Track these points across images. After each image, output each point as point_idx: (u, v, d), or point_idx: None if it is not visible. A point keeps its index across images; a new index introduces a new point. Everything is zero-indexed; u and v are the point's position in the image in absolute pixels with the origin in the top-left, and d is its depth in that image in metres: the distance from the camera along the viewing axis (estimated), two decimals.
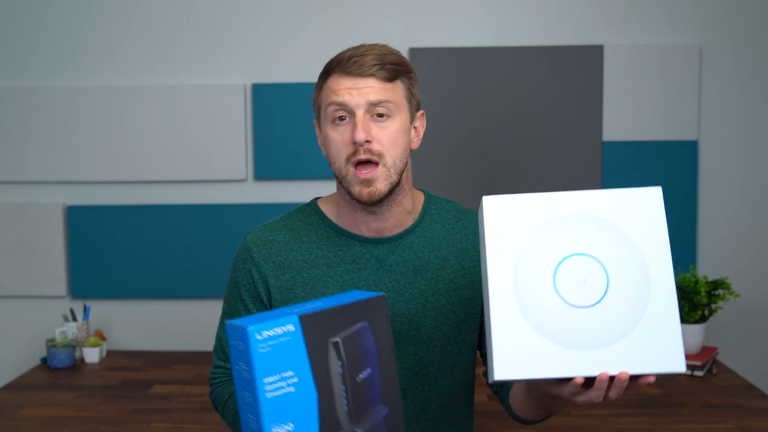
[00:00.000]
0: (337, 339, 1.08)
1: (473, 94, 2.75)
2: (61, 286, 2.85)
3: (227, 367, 1.40)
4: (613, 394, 1.04)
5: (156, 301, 2.87)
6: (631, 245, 1.04)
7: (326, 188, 2.81)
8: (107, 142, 2.81)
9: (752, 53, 2.74)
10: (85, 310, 2.75)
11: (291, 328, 1.04)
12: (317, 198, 1.43)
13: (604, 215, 1.05)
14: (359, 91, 1.24)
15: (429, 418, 1.35)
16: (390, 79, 1.26)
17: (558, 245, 1.05)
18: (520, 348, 1.02)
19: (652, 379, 1.03)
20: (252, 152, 2.81)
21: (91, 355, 2.66)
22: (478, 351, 1.45)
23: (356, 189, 1.26)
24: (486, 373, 1.44)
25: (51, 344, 2.60)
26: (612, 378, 1.03)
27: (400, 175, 1.28)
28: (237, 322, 1.03)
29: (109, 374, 2.54)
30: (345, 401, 1.08)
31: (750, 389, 2.29)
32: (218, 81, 2.81)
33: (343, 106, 1.24)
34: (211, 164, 2.80)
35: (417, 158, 2.78)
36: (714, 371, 2.45)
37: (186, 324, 2.88)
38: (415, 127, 1.34)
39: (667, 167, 2.75)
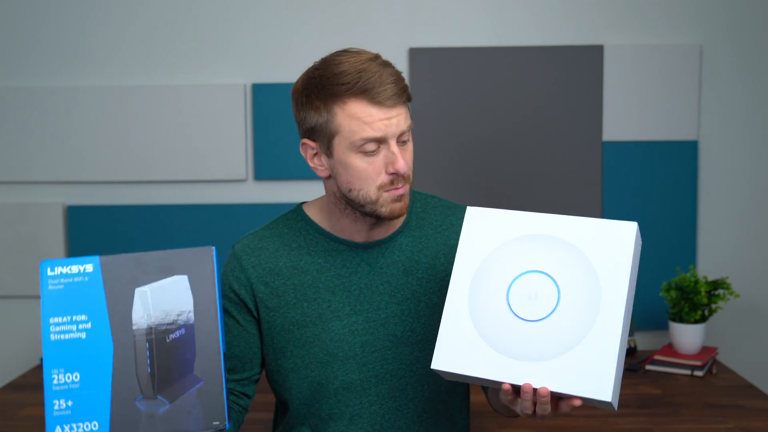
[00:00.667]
0: (145, 288, 0.97)
1: (473, 94, 2.75)
2: None
3: None
4: (538, 409, 1.07)
5: None
6: (590, 273, 1.07)
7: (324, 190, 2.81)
8: (107, 142, 2.81)
9: (752, 53, 2.74)
10: None
11: (89, 268, 0.95)
12: (302, 203, 1.41)
13: (573, 240, 1.10)
14: (392, 122, 1.21)
15: (430, 417, 1.36)
16: (407, 101, 1.25)
17: (521, 260, 1.11)
18: (461, 346, 1.11)
19: (577, 402, 1.05)
20: (252, 152, 2.81)
21: None
22: None
23: (387, 209, 1.25)
24: None
25: None
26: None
27: None
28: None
29: None
30: (148, 361, 0.97)
31: (750, 389, 2.29)
32: (218, 81, 2.81)
33: (380, 140, 1.21)
34: (211, 164, 2.80)
35: (416, 158, 2.78)
36: (714, 371, 2.45)
37: None
38: None
39: (667, 167, 2.75)
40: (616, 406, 1.06)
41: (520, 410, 1.10)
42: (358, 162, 1.23)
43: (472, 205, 2.76)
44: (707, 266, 2.80)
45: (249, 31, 2.80)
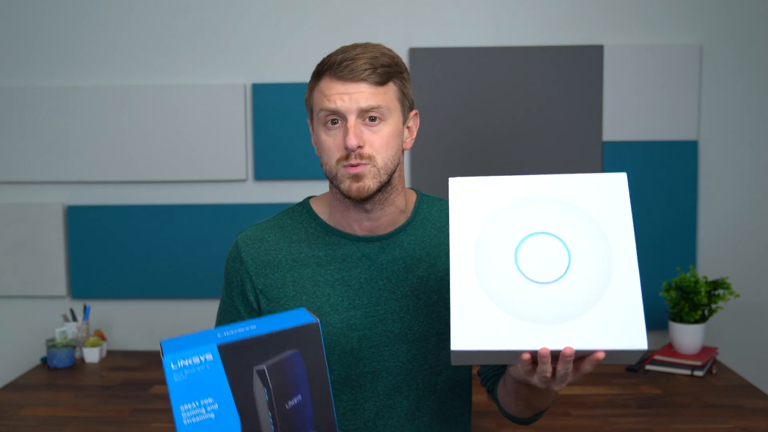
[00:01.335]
0: (263, 367, 1.05)
1: (473, 94, 2.75)
2: (61, 286, 2.85)
3: None
4: (560, 368, 1.04)
5: (156, 301, 2.87)
6: (593, 226, 1.06)
7: (326, 188, 2.81)
8: (107, 142, 2.81)
9: (752, 53, 2.74)
10: (85, 310, 2.75)
11: (209, 357, 1.03)
12: (309, 197, 1.43)
13: (568, 197, 1.08)
14: (350, 97, 1.24)
15: (423, 415, 1.36)
16: (382, 83, 1.26)
17: (520, 224, 1.08)
18: (479, 320, 1.04)
19: (601, 355, 1.02)
20: (252, 152, 2.81)
21: (91, 355, 2.66)
22: None
23: (346, 184, 1.26)
24: (480, 372, 1.45)
25: (51, 344, 2.60)
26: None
27: (390, 175, 1.29)
28: (164, 343, 1.05)
29: (109, 374, 2.54)
30: (272, 428, 1.06)
31: (750, 389, 2.29)
32: (218, 81, 2.81)
33: (334, 111, 1.25)
34: (211, 164, 2.80)
35: (417, 158, 2.78)
36: (714, 371, 2.45)
37: (186, 324, 2.88)
38: (408, 128, 1.34)
39: (667, 167, 2.75)
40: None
41: (537, 379, 1.07)
42: (323, 135, 1.28)
43: None
44: (707, 266, 2.80)
45: (249, 31, 2.80)
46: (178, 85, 2.79)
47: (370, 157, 1.25)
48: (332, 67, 1.25)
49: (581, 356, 1.04)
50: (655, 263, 2.77)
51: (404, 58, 2.76)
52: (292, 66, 2.80)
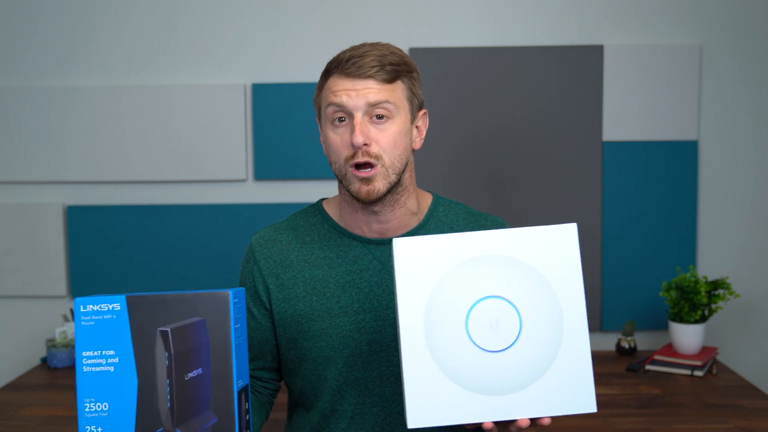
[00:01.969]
0: (166, 328, 1.06)
1: (473, 94, 2.75)
2: (61, 286, 2.85)
3: None
4: None
5: None
6: (543, 285, 1.03)
7: (326, 188, 2.81)
8: (107, 142, 2.81)
9: (752, 53, 2.74)
10: None
11: (117, 306, 1.05)
12: (323, 199, 1.43)
13: (518, 255, 1.04)
14: (357, 93, 1.23)
15: None
16: (390, 80, 1.25)
17: (471, 288, 1.04)
18: (432, 395, 1.03)
19: (546, 421, 1.04)
20: (252, 152, 2.81)
21: None
22: None
23: (355, 186, 1.26)
24: None
25: (51, 344, 2.60)
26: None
27: (399, 175, 1.28)
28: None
29: None
30: (168, 396, 1.06)
31: (750, 389, 2.29)
32: (218, 81, 2.81)
33: (341, 107, 1.24)
34: (211, 164, 2.80)
35: (417, 158, 2.78)
36: (714, 371, 2.45)
37: None
38: (417, 127, 1.33)
39: (667, 167, 2.75)
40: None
41: None
42: (330, 133, 1.28)
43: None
44: (707, 266, 2.80)
45: (249, 31, 2.79)
46: (177, 85, 2.79)
47: (377, 156, 1.24)
48: (340, 64, 1.25)
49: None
50: (655, 263, 2.77)
51: None
52: (292, 66, 2.79)
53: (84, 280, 2.84)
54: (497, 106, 2.75)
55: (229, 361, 1.07)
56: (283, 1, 2.78)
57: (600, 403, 2.20)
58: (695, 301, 2.48)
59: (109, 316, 1.04)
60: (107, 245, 2.84)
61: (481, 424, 1.05)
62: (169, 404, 1.06)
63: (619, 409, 2.14)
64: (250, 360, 1.39)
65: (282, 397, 2.25)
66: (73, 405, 2.25)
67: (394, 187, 1.28)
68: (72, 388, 2.41)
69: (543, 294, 1.02)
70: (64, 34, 2.82)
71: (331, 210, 1.39)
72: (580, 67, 2.73)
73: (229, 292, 1.07)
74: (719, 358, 2.79)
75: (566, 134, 2.75)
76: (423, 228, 1.36)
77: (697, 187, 2.77)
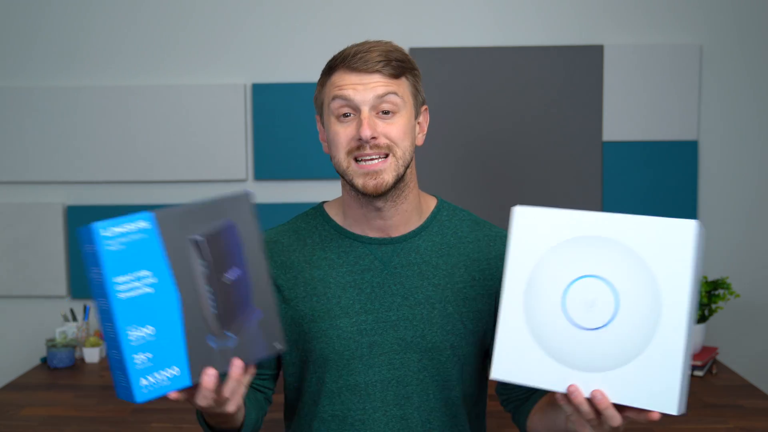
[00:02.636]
0: (198, 237, 1.02)
1: (473, 94, 2.75)
2: (61, 286, 2.85)
3: None
4: (606, 418, 1.02)
5: None
6: (649, 277, 1.01)
7: (326, 188, 2.81)
8: (107, 142, 2.81)
9: (752, 53, 2.74)
10: (85, 310, 2.75)
11: (144, 225, 0.98)
12: (324, 202, 1.41)
13: (629, 242, 1.03)
14: (365, 87, 1.23)
15: (434, 428, 1.31)
16: (396, 75, 1.25)
17: (575, 264, 1.06)
18: (519, 355, 1.07)
19: (655, 416, 1.00)
20: (252, 152, 2.81)
21: (91, 355, 2.65)
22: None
23: (360, 181, 1.24)
24: (499, 392, 1.41)
25: (51, 344, 2.60)
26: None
27: (406, 168, 1.27)
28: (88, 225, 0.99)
29: (109, 374, 2.54)
30: (212, 303, 1.03)
31: (750, 389, 2.29)
32: (218, 81, 2.81)
33: (348, 101, 1.23)
34: (211, 164, 2.80)
35: (417, 157, 2.78)
36: (714, 371, 2.45)
37: None
38: (419, 123, 1.32)
39: (667, 167, 2.75)
40: (684, 411, 1.02)
41: (575, 427, 1.06)
42: (335, 127, 1.26)
43: (471, 207, 2.76)
44: (707, 266, 2.80)
45: (249, 31, 2.80)
46: (178, 85, 2.79)
47: (388, 148, 1.24)
48: (345, 59, 1.24)
49: (623, 406, 1.03)
50: None
51: None
52: (292, 66, 2.80)
53: (84, 280, 2.84)
54: (497, 106, 2.75)
55: (262, 255, 1.09)
56: (283, 1, 2.78)
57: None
58: None
59: (137, 236, 0.97)
60: None
61: (559, 394, 1.06)
62: (214, 310, 1.03)
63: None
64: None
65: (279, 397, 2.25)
66: (73, 404, 2.25)
67: (398, 182, 1.27)
68: (72, 387, 2.41)
69: (646, 285, 1.02)
70: (65, 35, 2.82)
71: (332, 212, 1.38)
72: (580, 67, 2.73)
73: (248, 192, 1.08)
74: (719, 358, 2.79)
75: (566, 134, 2.75)
76: (425, 229, 1.34)
77: (697, 187, 2.77)
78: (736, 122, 2.76)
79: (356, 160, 1.24)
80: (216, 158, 2.80)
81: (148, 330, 0.98)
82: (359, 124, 1.22)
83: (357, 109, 1.23)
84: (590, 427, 1.05)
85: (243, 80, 2.81)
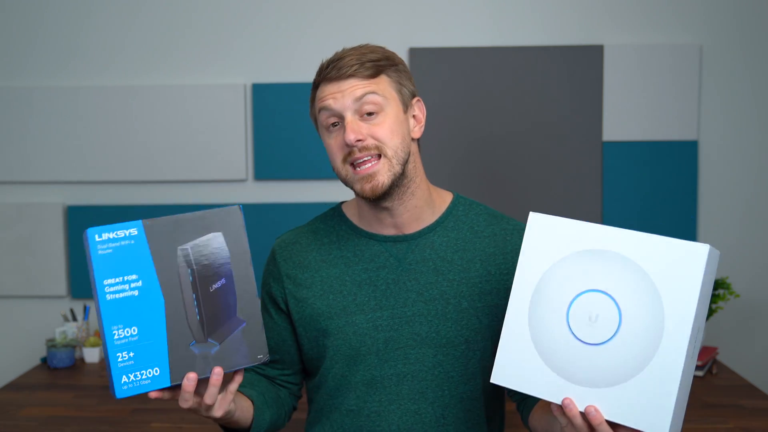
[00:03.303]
0: (186, 246, 1.08)
1: (473, 94, 2.75)
2: (61, 286, 2.85)
3: None
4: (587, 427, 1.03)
5: None
6: (655, 298, 1.01)
7: (326, 188, 2.81)
8: (107, 142, 2.81)
9: (752, 53, 2.74)
10: (85, 310, 2.75)
11: (134, 232, 1.05)
12: (342, 202, 1.44)
13: (638, 260, 1.03)
14: (342, 93, 1.25)
15: (449, 423, 1.32)
16: (372, 75, 1.26)
17: (583, 277, 1.06)
18: (519, 362, 1.09)
19: None
20: (252, 152, 2.81)
21: (91, 355, 2.66)
22: None
23: (358, 186, 1.26)
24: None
25: (51, 344, 2.60)
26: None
27: (403, 165, 1.27)
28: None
29: None
30: (196, 310, 1.08)
31: (750, 389, 2.29)
32: (218, 81, 2.81)
33: (331, 111, 1.26)
34: (212, 164, 2.80)
35: None
36: (714, 371, 2.45)
37: None
38: (414, 116, 1.33)
39: (667, 167, 2.75)
40: None
41: None
42: (326, 139, 1.30)
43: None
44: None
45: (249, 31, 2.80)
46: (178, 85, 2.79)
47: (377, 149, 1.25)
48: (322, 72, 1.28)
49: (616, 424, 1.03)
50: None
51: (404, 58, 2.76)
52: (292, 66, 2.80)
53: (84, 280, 2.84)
54: (497, 107, 2.75)
55: (248, 267, 1.12)
56: (283, 1, 2.78)
57: None
58: None
59: (127, 242, 1.04)
60: None
61: (555, 405, 1.07)
62: (197, 317, 1.08)
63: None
64: (271, 361, 1.42)
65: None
66: (72, 404, 2.25)
67: (399, 179, 1.28)
68: (72, 387, 2.41)
69: (650, 305, 1.01)
70: (65, 35, 2.82)
71: (349, 212, 1.40)
72: (580, 67, 2.73)
73: (239, 206, 1.12)
74: (719, 358, 2.79)
75: (566, 134, 2.75)
76: (440, 225, 1.35)
77: (697, 187, 2.77)
78: (736, 122, 2.76)
79: (353, 165, 1.26)
80: (216, 158, 2.80)
81: (131, 331, 1.04)
82: (344, 131, 1.25)
83: (341, 117, 1.26)
84: None
85: (243, 80, 2.81)
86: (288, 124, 2.78)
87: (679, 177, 2.75)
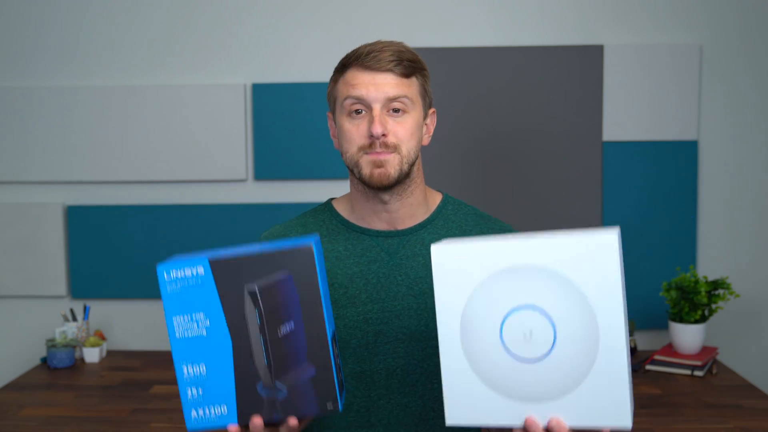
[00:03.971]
0: (254, 287, 1.05)
1: (473, 94, 2.75)
2: (61, 286, 2.85)
3: None
4: None
5: (156, 301, 2.87)
6: (580, 298, 1.01)
7: (326, 188, 2.81)
8: (107, 142, 2.81)
9: (752, 53, 2.74)
10: (85, 310, 2.75)
11: (200, 271, 1.04)
12: (332, 198, 1.45)
13: (554, 266, 1.02)
14: (377, 87, 1.26)
15: (438, 416, 1.35)
16: (407, 75, 1.28)
17: (506, 297, 1.05)
18: (468, 397, 1.08)
19: None
20: (252, 152, 2.81)
21: (91, 355, 2.65)
22: None
23: (368, 170, 1.28)
24: None
25: (51, 344, 2.60)
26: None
27: (411, 166, 1.31)
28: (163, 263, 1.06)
29: (109, 374, 2.54)
30: (264, 353, 1.07)
31: (750, 389, 2.29)
32: (218, 81, 2.81)
33: (360, 100, 1.27)
34: (212, 164, 2.80)
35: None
36: (714, 371, 2.45)
37: None
38: (426, 124, 1.36)
39: (667, 167, 2.75)
40: (631, 426, 1.04)
41: None
42: (347, 124, 1.29)
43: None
44: (707, 266, 2.80)
45: (249, 31, 2.80)
46: (178, 85, 2.79)
47: (394, 146, 1.27)
48: (359, 58, 1.28)
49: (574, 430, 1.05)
50: (655, 263, 2.77)
51: None
52: (292, 66, 2.80)
53: (84, 280, 2.84)
54: (497, 106, 2.75)
55: (319, 311, 1.08)
56: (283, 1, 2.78)
57: None
58: (695, 301, 2.47)
59: (193, 281, 1.04)
60: (107, 245, 2.84)
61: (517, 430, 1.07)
62: (265, 360, 1.06)
63: None
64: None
65: None
66: (73, 404, 2.25)
67: (404, 178, 1.31)
68: (72, 387, 2.41)
69: (578, 307, 1.01)
70: (65, 35, 2.82)
71: (340, 207, 1.42)
72: (580, 67, 2.73)
73: (312, 243, 1.06)
74: (719, 358, 2.79)
75: (566, 134, 2.75)
76: (431, 223, 1.38)
77: (697, 187, 2.77)
78: (736, 122, 2.76)
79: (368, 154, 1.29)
80: (216, 158, 2.80)
81: (200, 368, 1.05)
82: (371, 121, 1.26)
83: (369, 107, 1.27)
84: None
85: (243, 80, 2.81)
86: (288, 124, 2.78)
87: (679, 177, 2.75)
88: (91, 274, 2.84)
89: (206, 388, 1.05)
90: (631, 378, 1.03)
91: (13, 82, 2.84)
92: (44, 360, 2.68)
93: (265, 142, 2.79)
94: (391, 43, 1.29)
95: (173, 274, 1.03)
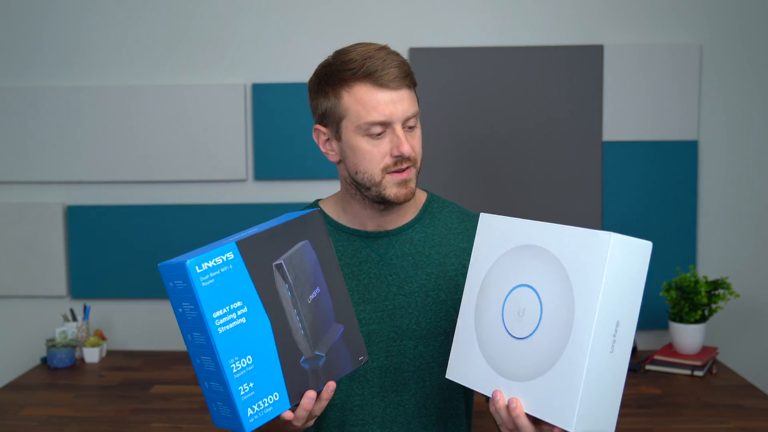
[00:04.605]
0: (280, 261, 1.05)
1: (473, 94, 2.75)
2: (61, 286, 2.85)
3: None
4: (519, 426, 1.04)
5: (156, 301, 2.87)
6: (567, 289, 1.01)
7: (326, 188, 2.81)
8: (107, 142, 2.81)
9: (752, 53, 2.74)
10: (85, 310, 2.75)
11: (230, 256, 1.01)
12: (318, 200, 1.45)
13: (556, 251, 1.03)
14: (396, 107, 1.24)
15: (431, 413, 1.36)
16: (412, 87, 1.29)
17: (517, 272, 1.08)
18: (467, 359, 1.13)
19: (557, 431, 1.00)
20: (252, 152, 2.81)
21: (91, 355, 2.66)
22: None
23: (392, 192, 1.27)
24: None
25: (51, 344, 2.60)
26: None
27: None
28: (172, 260, 0.99)
29: (109, 374, 2.54)
30: (299, 325, 1.06)
31: (750, 389, 2.29)
32: (218, 81, 2.81)
33: (385, 124, 1.24)
34: (212, 164, 2.80)
35: None
36: (714, 371, 2.45)
37: None
38: None
39: (667, 167, 2.75)
40: (605, 430, 1.01)
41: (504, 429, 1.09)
42: (364, 145, 1.26)
43: (471, 206, 2.76)
44: (707, 266, 2.80)
45: (249, 31, 2.80)
46: (178, 85, 2.79)
47: (414, 161, 1.28)
48: (368, 74, 1.23)
49: (537, 420, 1.04)
50: (655, 263, 2.77)
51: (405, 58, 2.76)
52: (292, 66, 2.80)
53: (84, 280, 2.84)
54: (497, 106, 2.75)
55: (338, 268, 1.12)
56: (283, 2, 2.78)
57: None
58: (695, 301, 2.47)
59: (226, 268, 1.00)
60: (107, 245, 2.84)
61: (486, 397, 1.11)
62: (302, 331, 1.06)
63: (619, 409, 2.14)
64: None
65: None
66: (73, 404, 2.25)
67: None
68: (72, 387, 2.41)
69: (564, 297, 1.01)
70: (66, 35, 2.82)
71: (328, 209, 1.41)
72: (580, 67, 2.73)
73: (318, 210, 1.11)
74: (719, 358, 2.79)
75: (566, 134, 2.75)
76: (418, 222, 1.39)
77: (697, 187, 2.77)
78: (736, 122, 2.76)
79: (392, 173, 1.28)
80: (216, 158, 2.80)
81: (247, 360, 1.01)
82: (395, 141, 1.25)
83: (389, 126, 1.25)
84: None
85: (243, 80, 2.81)
86: (288, 124, 2.78)
87: (679, 177, 2.75)
88: (91, 274, 2.84)
89: (257, 380, 1.02)
90: (607, 387, 0.99)
91: (14, 82, 2.84)
92: (44, 360, 2.68)
93: (265, 142, 2.79)
94: (387, 52, 1.27)
95: (204, 265, 0.98)
